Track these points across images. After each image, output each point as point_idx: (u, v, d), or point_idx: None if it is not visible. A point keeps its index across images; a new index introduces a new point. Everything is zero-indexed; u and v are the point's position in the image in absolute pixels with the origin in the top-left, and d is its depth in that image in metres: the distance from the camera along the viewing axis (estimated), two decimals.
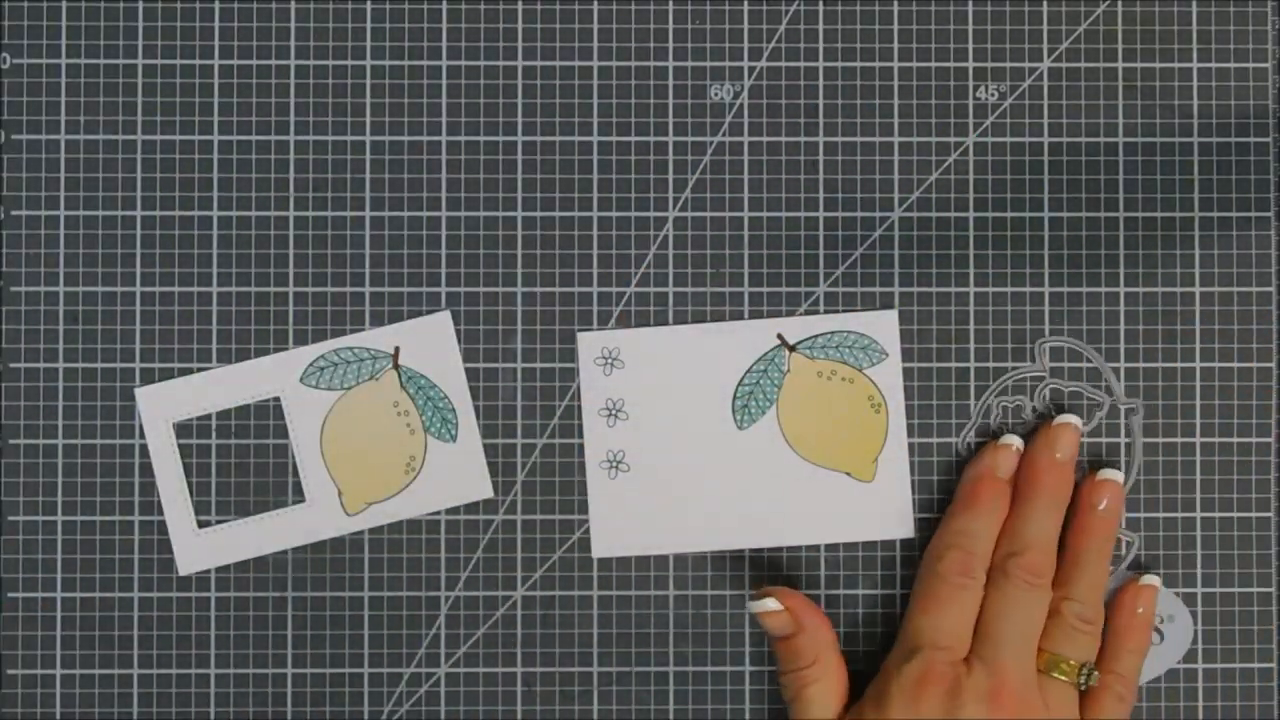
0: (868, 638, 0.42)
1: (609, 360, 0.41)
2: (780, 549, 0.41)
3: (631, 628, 0.41)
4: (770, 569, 0.41)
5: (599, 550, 0.41)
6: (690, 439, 0.41)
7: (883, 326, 0.41)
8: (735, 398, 0.41)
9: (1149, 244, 0.42)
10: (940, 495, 0.42)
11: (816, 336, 0.41)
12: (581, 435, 0.41)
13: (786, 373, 0.41)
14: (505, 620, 0.42)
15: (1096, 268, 0.42)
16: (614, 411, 0.41)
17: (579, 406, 0.41)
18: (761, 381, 0.41)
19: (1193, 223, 0.42)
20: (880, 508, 0.41)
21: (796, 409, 0.41)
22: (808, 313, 0.41)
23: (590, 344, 0.41)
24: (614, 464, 0.41)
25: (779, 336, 0.41)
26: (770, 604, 0.39)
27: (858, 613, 0.42)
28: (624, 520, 0.41)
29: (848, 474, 0.41)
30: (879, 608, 0.42)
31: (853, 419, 0.41)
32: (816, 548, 0.42)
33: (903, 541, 0.42)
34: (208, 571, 0.41)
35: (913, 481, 0.41)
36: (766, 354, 0.41)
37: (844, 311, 0.41)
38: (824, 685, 0.38)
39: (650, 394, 0.41)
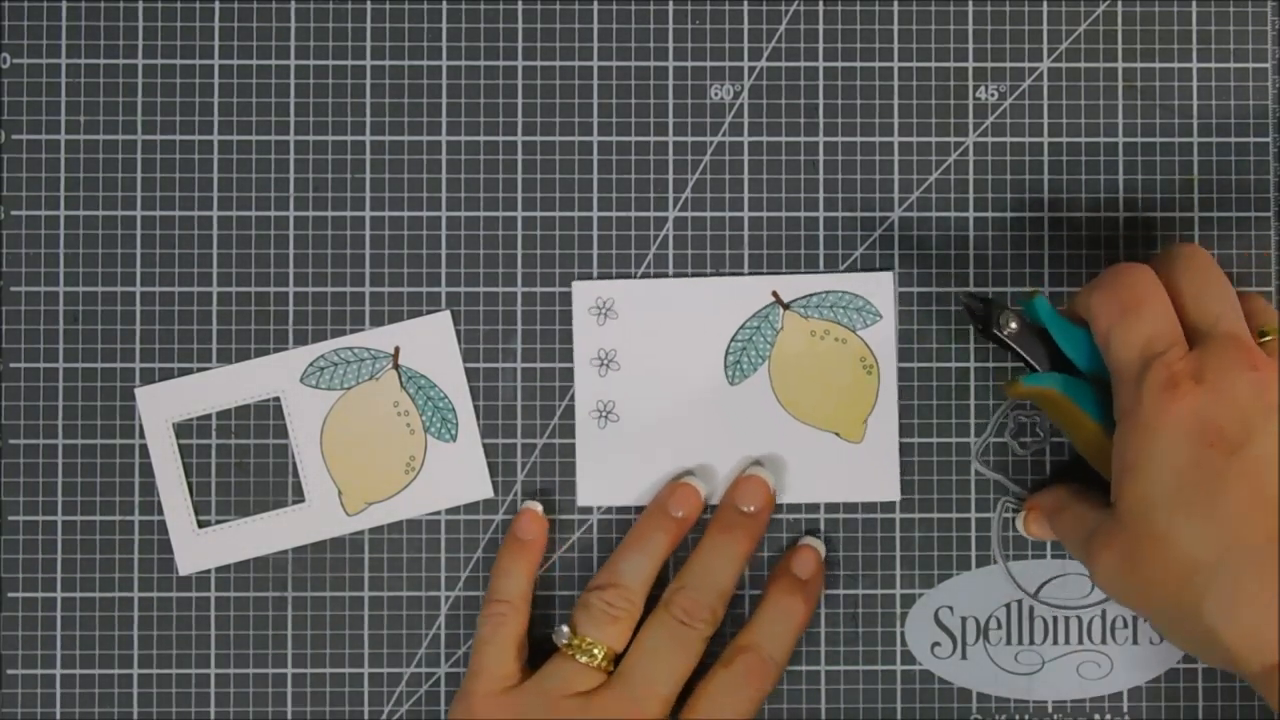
0: (866, 602, 0.42)
1: (603, 310, 0.41)
2: (780, 518, 0.41)
3: None
4: (770, 559, 0.41)
5: (583, 499, 0.41)
6: (681, 392, 0.41)
7: (878, 288, 0.41)
8: (728, 353, 0.41)
9: (1149, 244, 0.42)
10: (940, 495, 0.42)
11: (811, 295, 0.41)
12: (578, 434, 0.41)
13: (779, 330, 0.41)
14: None
15: (1096, 268, 0.42)
16: (606, 361, 0.41)
17: (573, 351, 0.41)
18: (754, 338, 0.41)
19: (1193, 223, 0.42)
20: (867, 469, 0.41)
21: (788, 367, 0.41)
22: (805, 271, 0.41)
23: (585, 293, 0.41)
24: (603, 414, 0.41)
25: (774, 294, 0.41)
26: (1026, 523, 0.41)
27: (858, 595, 0.42)
28: (611, 470, 0.41)
29: (836, 434, 0.41)
30: (878, 589, 0.42)
31: (844, 379, 0.41)
32: (817, 526, 0.41)
33: (902, 521, 0.42)
34: (208, 571, 0.41)
35: (901, 444, 0.41)
36: (760, 311, 0.41)
37: (840, 272, 0.41)
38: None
39: (643, 345, 0.41)
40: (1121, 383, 0.34)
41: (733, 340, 0.41)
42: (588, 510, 0.42)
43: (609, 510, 0.41)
